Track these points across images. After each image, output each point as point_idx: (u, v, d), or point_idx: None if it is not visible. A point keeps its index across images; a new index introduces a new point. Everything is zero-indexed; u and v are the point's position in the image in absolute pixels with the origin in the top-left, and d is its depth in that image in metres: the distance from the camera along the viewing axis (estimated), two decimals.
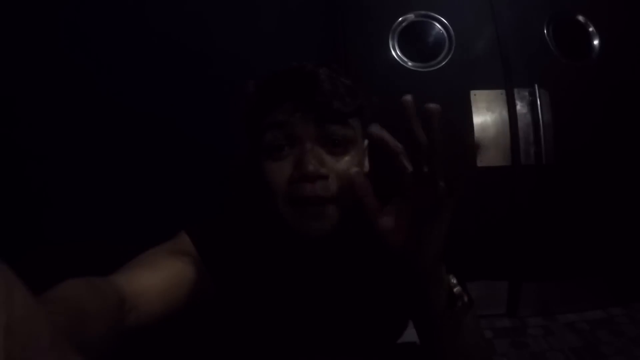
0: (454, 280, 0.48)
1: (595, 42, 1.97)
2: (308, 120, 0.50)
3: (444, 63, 1.90)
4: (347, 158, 0.52)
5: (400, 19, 1.94)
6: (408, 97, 0.37)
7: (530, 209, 1.85)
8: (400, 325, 0.67)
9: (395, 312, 0.64)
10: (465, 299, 0.47)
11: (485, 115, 1.85)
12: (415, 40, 1.94)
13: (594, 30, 1.97)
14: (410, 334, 0.70)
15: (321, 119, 0.50)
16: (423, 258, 0.41)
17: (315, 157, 0.49)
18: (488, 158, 1.84)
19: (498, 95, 1.86)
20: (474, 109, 1.85)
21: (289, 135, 0.50)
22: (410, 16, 1.95)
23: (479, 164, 1.81)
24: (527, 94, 1.86)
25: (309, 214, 0.50)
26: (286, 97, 0.51)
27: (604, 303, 1.89)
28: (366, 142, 0.57)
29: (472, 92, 1.86)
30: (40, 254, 1.36)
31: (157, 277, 0.50)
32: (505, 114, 1.85)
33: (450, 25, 1.92)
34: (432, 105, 0.36)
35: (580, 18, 1.99)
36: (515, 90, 1.86)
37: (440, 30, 1.94)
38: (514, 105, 1.85)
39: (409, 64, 1.92)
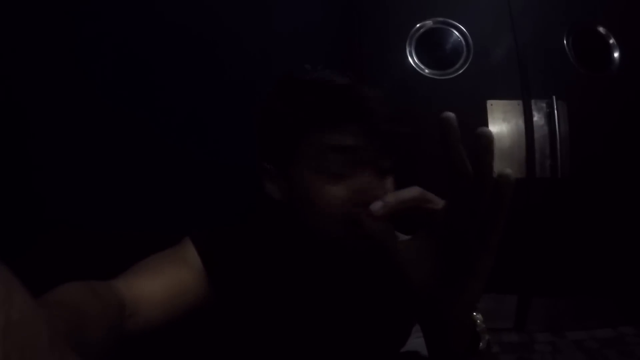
0: (478, 320, 0.45)
1: (616, 54, 1.94)
2: (372, 146, 0.49)
3: (461, 71, 1.88)
4: (389, 184, 0.52)
5: (417, 25, 1.92)
6: (450, 115, 0.30)
7: (543, 223, 1.82)
8: (405, 333, 0.66)
9: (400, 321, 0.63)
10: (487, 338, 0.44)
11: (501, 126, 1.83)
12: (433, 47, 1.92)
13: (614, 42, 1.94)
14: (412, 343, 0.70)
15: (382, 146, 0.49)
16: (452, 308, 0.36)
17: (380, 185, 0.50)
18: (502, 169, 1.81)
19: (515, 105, 1.84)
20: (490, 119, 1.83)
21: (354, 160, 0.49)
22: (428, 23, 1.93)
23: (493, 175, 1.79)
24: (544, 105, 1.83)
25: (362, 234, 0.50)
26: (355, 116, 0.49)
27: (614, 321, 1.86)
28: None
29: (489, 102, 1.84)
30: (53, 238, 1.37)
31: (158, 283, 0.50)
32: (521, 124, 1.83)
33: (469, 33, 1.90)
34: (486, 130, 0.29)
35: (601, 29, 1.96)
36: (533, 101, 1.83)
37: (459, 37, 1.92)
38: (531, 117, 1.82)
39: (426, 71, 1.90)
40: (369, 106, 0.49)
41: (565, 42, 1.90)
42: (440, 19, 1.93)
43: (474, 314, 0.42)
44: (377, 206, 0.34)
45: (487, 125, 1.82)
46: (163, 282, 0.50)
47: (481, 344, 0.41)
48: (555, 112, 1.79)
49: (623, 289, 1.88)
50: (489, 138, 0.29)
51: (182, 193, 1.53)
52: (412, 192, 0.35)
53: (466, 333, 0.40)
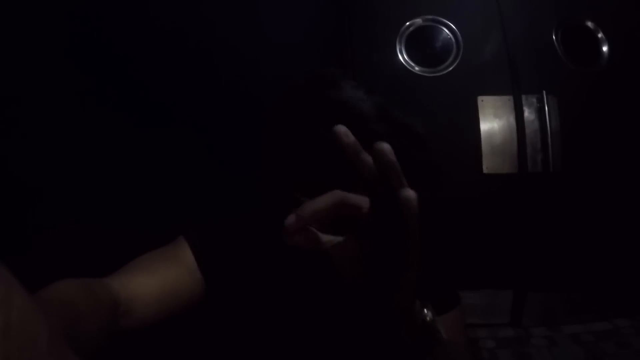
0: (427, 311, 0.44)
1: (604, 48, 1.95)
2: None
3: (451, 68, 1.88)
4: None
5: (407, 23, 1.93)
6: (341, 128, 0.31)
7: (536, 218, 1.82)
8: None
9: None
10: (439, 331, 0.44)
11: (493, 122, 1.83)
12: (423, 45, 1.93)
13: (603, 37, 1.96)
14: None
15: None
16: (393, 302, 0.36)
17: None
18: (494, 165, 1.82)
19: (505, 101, 1.84)
20: (481, 115, 1.83)
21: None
22: (418, 21, 1.94)
23: (485, 170, 1.80)
24: (534, 100, 1.84)
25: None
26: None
27: (609, 314, 1.86)
28: None
29: (480, 98, 1.84)
30: (50, 237, 1.36)
31: (152, 282, 0.50)
32: (512, 120, 1.83)
33: (458, 31, 1.91)
34: (379, 146, 0.30)
35: (589, 24, 1.97)
36: (523, 97, 1.84)
37: (448, 35, 1.92)
38: (522, 112, 1.83)
39: (416, 68, 1.91)
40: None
41: (554, 37, 1.91)
42: (430, 16, 1.93)
43: (422, 307, 0.42)
44: (290, 220, 0.33)
45: (478, 121, 1.82)
46: (157, 280, 0.50)
47: (433, 336, 0.40)
48: (546, 106, 1.80)
49: (617, 282, 1.89)
50: (382, 151, 0.29)
51: (177, 197, 1.53)
52: (330, 198, 0.33)
53: (415, 324, 0.39)
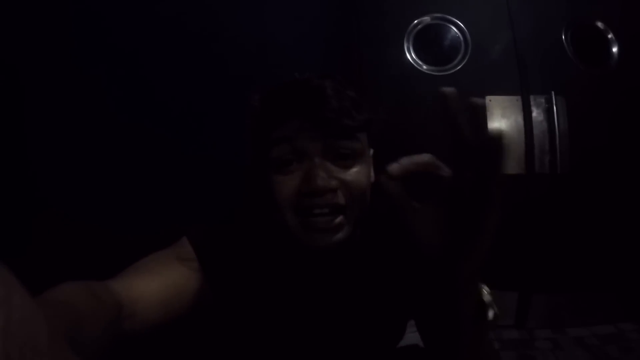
0: (485, 290, 0.45)
1: (614, 49, 1.93)
2: (316, 136, 0.51)
3: (459, 67, 1.87)
4: (354, 169, 0.53)
5: (415, 21, 1.91)
6: (450, 89, 0.34)
7: (543, 219, 1.81)
8: (401, 329, 0.68)
9: (397, 317, 0.64)
10: (495, 310, 0.45)
11: (500, 122, 1.82)
12: (431, 43, 1.91)
13: (613, 37, 1.93)
14: (409, 337, 0.70)
15: (329, 134, 0.51)
16: (461, 270, 0.38)
17: (324, 171, 0.51)
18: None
19: (514, 101, 1.83)
20: (488, 115, 1.81)
21: (297, 150, 0.51)
22: (426, 19, 1.92)
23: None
24: (543, 100, 1.82)
25: (317, 226, 0.51)
26: (293, 112, 0.51)
27: (614, 318, 1.85)
28: (372, 151, 0.59)
29: (488, 98, 1.83)
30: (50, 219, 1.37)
31: (155, 284, 0.50)
32: (520, 120, 1.81)
33: (467, 29, 1.89)
34: (479, 100, 0.33)
35: (599, 24, 1.95)
36: (532, 97, 1.82)
37: (457, 33, 1.91)
38: (530, 112, 1.81)
39: (424, 67, 1.89)
40: (318, 99, 0.51)
41: (563, 37, 1.89)
42: (438, 14, 1.91)
43: (482, 285, 0.44)
44: (393, 167, 0.37)
45: (486, 121, 1.81)
46: (160, 282, 0.50)
47: (490, 314, 0.42)
48: (554, 107, 1.78)
49: (623, 285, 1.88)
50: (480, 105, 0.33)
51: (178, 188, 1.52)
52: (424, 157, 0.38)
53: (473, 300, 0.42)
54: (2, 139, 1.40)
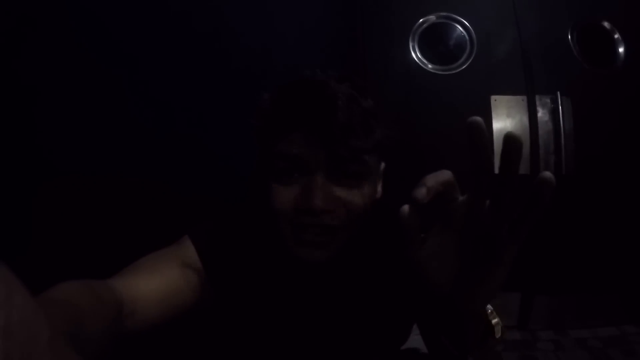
0: (490, 310, 0.45)
1: (621, 49, 1.91)
2: (321, 153, 0.48)
3: (464, 66, 1.86)
4: (358, 190, 0.51)
5: (421, 20, 1.90)
6: (478, 119, 0.31)
7: (546, 220, 1.80)
8: (405, 331, 0.67)
9: (397, 326, 0.64)
10: (501, 330, 0.45)
11: (505, 122, 1.81)
12: (436, 42, 1.90)
13: (620, 38, 1.92)
14: (412, 341, 0.70)
15: (334, 153, 0.48)
16: (472, 308, 0.36)
17: (323, 191, 0.48)
18: None
19: (519, 101, 1.82)
20: (493, 115, 1.81)
21: (299, 163, 0.49)
22: (432, 18, 1.91)
23: (497, 171, 1.77)
24: (548, 100, 1.81)
25: (310, 242, 0.49)
26: (300, 123, 0.48)
27: (617, 320, 1.84)
28: (382, 165, 0.56)
29: (493, 97, 1.82)
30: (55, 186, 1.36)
31: (156, 282, 0.49)
32: (525, 120, 1.81)
33: (472, 28, 1.88)
34: (514, 134, 0.30)
35: (606, 24, 1.94)
36: (537, 97, 1.81)
37: (462, 32, 1.89)
38: (535, 112, 1.80)
39: (429, 66, 1.88)
40: (327, 113, 0.47)
41: (569, 37, 1.88)
42: (444, 13, 1.90)
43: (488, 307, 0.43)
44: (420, 192, 0.32)
45: (490, 121, 1.80)
46: (161, 281, 0.50)
47: (496, 333, 0.42)
48: (560, 107, 1.77)
49: (627, 287, 1.87)
50: (518, 140, 0.30)
51: (181, 187, 1.52)
52: (445, 174, 0.34)
53: (480, 323, 0.41)
54: (2, 139, 1.40)
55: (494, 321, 0.43)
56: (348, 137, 0.47)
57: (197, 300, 0.53)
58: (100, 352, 0.37)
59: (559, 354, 1.68)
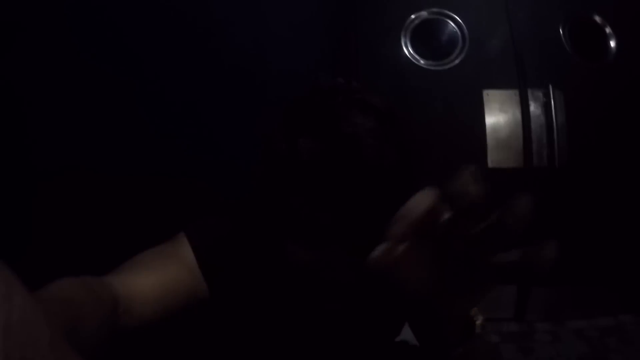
0: (478, 315, 0.43)
1: (612, 43, 1.93)
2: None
3: (456, 62, 1.87)
4: None
5: (412, 16, 1.91)
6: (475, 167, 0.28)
7: (541, 212, 1.81)
8: (399, 324, 0.66)
9: (393, 321, 0.64)
10: (481, 322, 0.43)
11: (498, 116, 1.82)
12: (428, 38, 1.91)
13: (611, 32, 1.93)
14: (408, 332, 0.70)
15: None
16: (450, 309, 0.35)
17: None
18: (499, 159, 1.81)
19: (511, 95, 1.83)
20: (486, 109, 1.82)
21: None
22: (423, 13, 1.92)
23: (490, 164, 1.79)
24: (541, 94, 1.83)
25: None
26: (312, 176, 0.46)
27: (614, 310, 1.85)
28: None
29: (485, 92, 1.83)
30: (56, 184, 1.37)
31: (152, 280, 0.49)
32: (518, 114, 1.82)
33: (464, 24, 1.89)
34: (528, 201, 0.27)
35: (597, 19, 1.95)
36: (529, 91, 1.82)
37: (454, 28, 1.91)
38: (528, 106, 1.82)
39: (421, 62, 1.89)
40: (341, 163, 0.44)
41: (561, 31, 1.89)
42: (436, 9, 1.92)
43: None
44: (379, 251, 0.29)
45: (483, 115, 1.81)
46: (157, 278, 0.50)
47: (476, 328, 0.39)
48: (552, 101, 1.78)
49: (623, 278, 1.88)
50: (525, 207, 0.28)
51: (177, 185, 1.53)
52: (424, 204, 0.28)
53: (460, 322, 0.38)
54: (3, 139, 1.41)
55: (475, 319, 0.41)
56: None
57: (193, 296, 0.53)
58: (97, 350, 0.38)
59: (557, 345, 1.69)
